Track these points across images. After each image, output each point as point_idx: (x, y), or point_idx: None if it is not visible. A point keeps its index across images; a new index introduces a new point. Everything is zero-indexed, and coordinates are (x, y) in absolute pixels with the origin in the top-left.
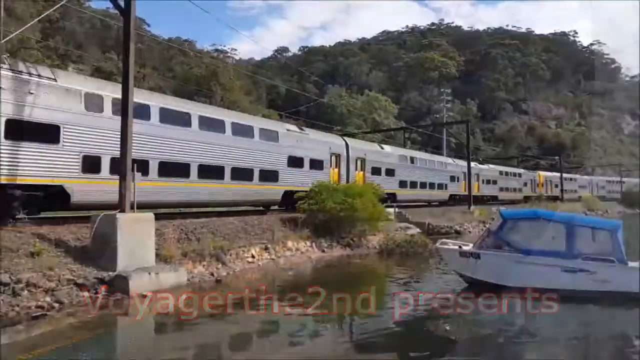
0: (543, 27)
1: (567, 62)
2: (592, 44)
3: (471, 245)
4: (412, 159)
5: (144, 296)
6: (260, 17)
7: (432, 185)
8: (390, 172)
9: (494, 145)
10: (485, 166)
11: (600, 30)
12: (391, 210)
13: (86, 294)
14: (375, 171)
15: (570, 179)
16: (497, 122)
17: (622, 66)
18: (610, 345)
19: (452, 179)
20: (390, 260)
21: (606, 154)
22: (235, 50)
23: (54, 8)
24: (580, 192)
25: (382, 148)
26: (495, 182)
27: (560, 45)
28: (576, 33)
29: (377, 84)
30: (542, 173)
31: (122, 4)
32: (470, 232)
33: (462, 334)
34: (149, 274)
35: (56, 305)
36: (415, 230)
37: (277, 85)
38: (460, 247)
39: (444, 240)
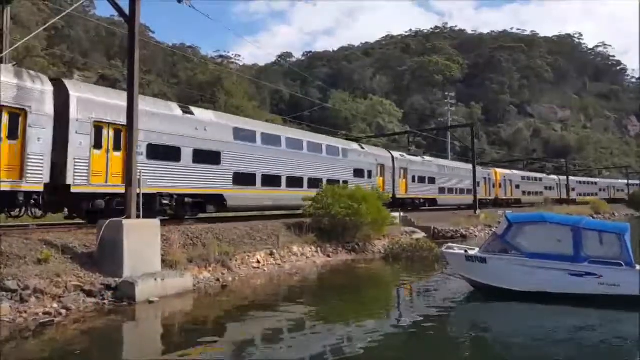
0: (547, 30)
1: (572, 64)
2: (597, 46)
3: (477, 249)
4: (267, 138)
5: (151, 302)
6: (264, 23)
7: (313, 183)
8: (210, 159)
9: (499, 148)
10: (417, 158)
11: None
12: (396, 214)
13: (93, 300)
14: (166, 154)
15: (535, 179)
16: (502, 125)
17: (627, 68)
18: (618, 349)
19: (358, 173)
20: (395, 265)
21: (612, 156)
22: (239, 56)
23: (60, 16)
24: (547, 194)
25: (188, 113)
26: (432, 181)
27: (565, 47)
28: (581, 35)
29: (380, 88)
30: (500, 170)
31: (126, 11)
32: (476, 236)
33: (467, 338)
34: (155, 279)
35: (63, 311)
36: (420, 235)
37: (281, 90)
38: (466, 251)
39: (449, 244)
